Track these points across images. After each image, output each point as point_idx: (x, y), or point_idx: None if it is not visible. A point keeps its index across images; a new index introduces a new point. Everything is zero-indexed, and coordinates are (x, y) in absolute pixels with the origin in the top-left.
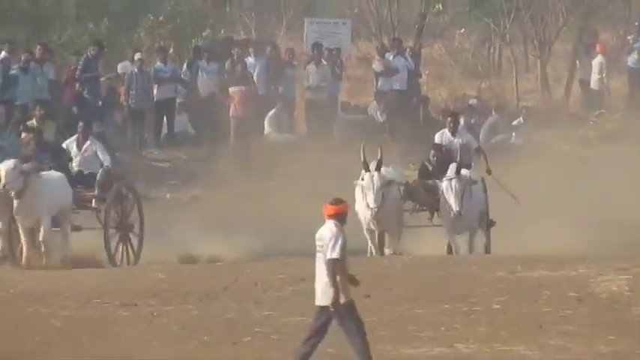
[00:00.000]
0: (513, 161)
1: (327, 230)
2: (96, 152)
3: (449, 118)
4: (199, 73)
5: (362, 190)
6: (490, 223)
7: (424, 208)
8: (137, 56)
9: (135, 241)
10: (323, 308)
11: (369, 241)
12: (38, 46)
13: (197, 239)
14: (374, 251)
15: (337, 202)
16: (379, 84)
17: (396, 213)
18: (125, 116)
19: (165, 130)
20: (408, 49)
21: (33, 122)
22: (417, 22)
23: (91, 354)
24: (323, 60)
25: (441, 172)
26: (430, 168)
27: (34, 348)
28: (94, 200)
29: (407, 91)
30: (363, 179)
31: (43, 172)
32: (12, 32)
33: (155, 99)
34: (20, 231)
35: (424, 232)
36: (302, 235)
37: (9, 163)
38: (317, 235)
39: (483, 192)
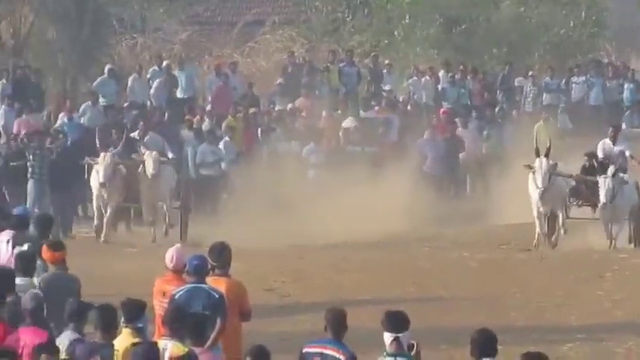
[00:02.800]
0: None
1: None
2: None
3: (611, 129)
4: (570, 85)
5: (533, 174)
6: None
7: (587, 203)
8: (530, 73)
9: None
10: None
11: (537, 227)
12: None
13: None
14: (542, 237)
15: None
16: None
17: (561, 196)
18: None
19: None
20: None
21: None
22: None
23: (497, 285)
24: None
25: (600, 172)
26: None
27: (455, 280)
28: None
29: None
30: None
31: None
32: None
33: (543, 103)
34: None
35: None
36: None
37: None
38: None
39: (637, 192)
